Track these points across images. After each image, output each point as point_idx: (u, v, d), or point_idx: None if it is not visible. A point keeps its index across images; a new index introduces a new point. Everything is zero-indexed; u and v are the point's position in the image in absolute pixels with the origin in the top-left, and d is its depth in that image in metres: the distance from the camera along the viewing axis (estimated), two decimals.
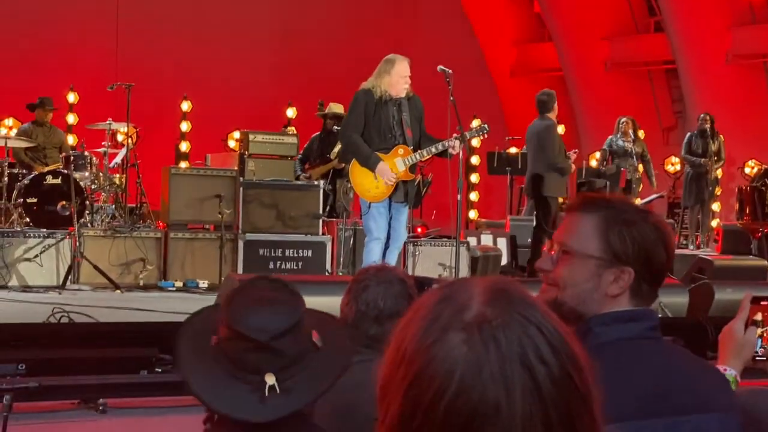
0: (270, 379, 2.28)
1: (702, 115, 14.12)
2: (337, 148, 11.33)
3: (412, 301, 3.40)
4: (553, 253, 2.19)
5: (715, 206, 14.98)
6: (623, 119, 13.55)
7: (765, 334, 2.49)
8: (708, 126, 13.87)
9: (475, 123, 14.32)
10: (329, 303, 5.87)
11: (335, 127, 11.48)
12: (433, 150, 8.16)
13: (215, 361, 2.31)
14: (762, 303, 2.51)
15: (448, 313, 1.24)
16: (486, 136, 9.25)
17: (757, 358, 2.49)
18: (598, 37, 18.51)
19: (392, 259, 8.29)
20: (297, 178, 11.30)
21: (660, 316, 6.57)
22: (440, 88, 8.45)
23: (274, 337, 2.27)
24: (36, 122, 11.92)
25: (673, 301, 6.96)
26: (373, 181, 8.03)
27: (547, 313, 1.26)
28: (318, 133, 11.97)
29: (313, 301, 6.18)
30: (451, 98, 8.25)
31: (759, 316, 2.49)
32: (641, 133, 14.80)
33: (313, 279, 8.31)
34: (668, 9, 17.25)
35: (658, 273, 2.15)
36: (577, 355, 1.24)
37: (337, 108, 11.68)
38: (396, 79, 8.01)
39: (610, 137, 13.60)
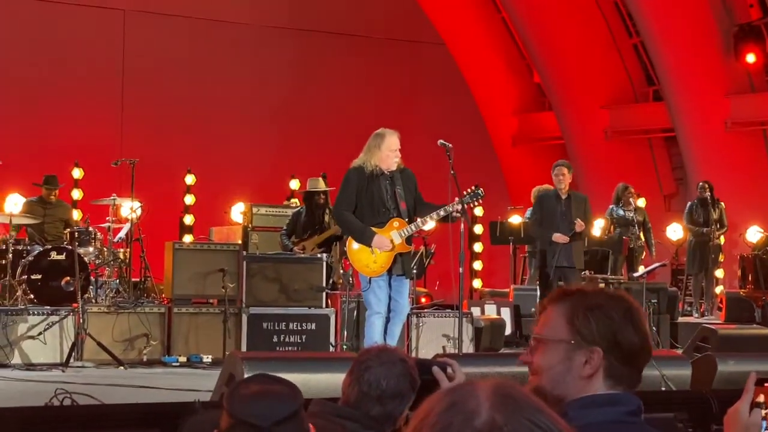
0: None
1: (701, 184, 14.18)
2: (327, 218, 11.41)
3: (414, 382, 3.42)
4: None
5: (719, 273, 14.97)
6: (627, 189, 13.58)
7: None
8: (708, 194, 13.94)
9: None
10: (333, 380, 5.88)
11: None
12: (428, 220, 8.21)
13: None
14: (766, 384, 2.50)
15: (458, 421, 1.25)
16: (480, 200, 9.19)
17: None
18: (598, 106, 18.64)
19: (396, 332, 8.30)
20: (289, 251, 11.30)
21: (663, 389, 6.56)
22: (442, 160, 8.51)
23: (276, 423, 2.32)
24: (41, 198, 12.03)
25: (676, 373, 6.95)
26: (371, 256, 8.08)
27: (553, 416, 1.28)
28: (300, 207, 12.01)
29: (316, 378, 6.18)
30: (452, 172, 8.31)
31: (761, 398, 2.48)
32: (642, 201, 14.87)
33: (316, 356, 8.30)
34: (666, 78, 17.40)
35: (629, 353, 2.20)
36: None
37: (320, 184, 11.77)
38: (386, 153, 8.08)
39: (611, 206, 13.65)
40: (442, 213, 8.16)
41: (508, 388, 1.30)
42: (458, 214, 8.16)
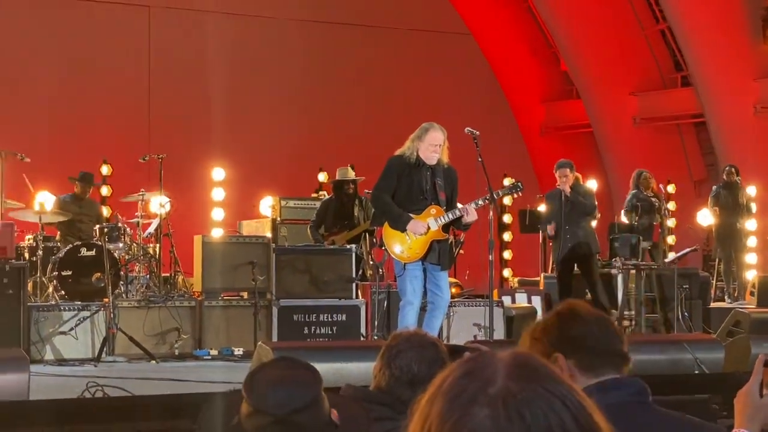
0: None
1: (727, 168, 14.04)
2: (356, 210, 11.41)
3: (445, 367, 3.40)
4: None
5: (752, 257, 14.83)
6: (644, 173, 13.42)
7: None
8: (734, 178, 13.81)
9: (507, 182, 14.32)
10: (364, 369, 5.88)
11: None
12: (468, 207, 8.17)
13: None
14: None
15: (472, 387, 1.25)
16: (520, 194, 9.25)
17: None
18: (626, 93, 18.53)
19: (435, 326, 8.19)
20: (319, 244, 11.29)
21: (696, 372, 6.51)
22: (469, 150, 8.50)
23: (294, 412, 2.29)
24: (74, 195, 12.05)
25: (709, 357, 6.90)
26: (406, 242, 8.07)
27: (571, 386, 1.26)
28: (329, 197, 12.00)
29: (348, 367, 6.17)
30: (480, 159, 8.30)
31: None
32: (672, 188, 14.73)
33: (347, 345, 8.29)
34: (694, 64, 17.26)
35: (576, 346, 2.40)
36: (601, 427, 1.24)
37: (350, 173, 11.77)
38: (426, 146, 8.11)
39: (633, 192, 13.43)
40: (480, 203, 8.22)
41: (527, 357, 1.29)
42: (468, 218, 8.13)
